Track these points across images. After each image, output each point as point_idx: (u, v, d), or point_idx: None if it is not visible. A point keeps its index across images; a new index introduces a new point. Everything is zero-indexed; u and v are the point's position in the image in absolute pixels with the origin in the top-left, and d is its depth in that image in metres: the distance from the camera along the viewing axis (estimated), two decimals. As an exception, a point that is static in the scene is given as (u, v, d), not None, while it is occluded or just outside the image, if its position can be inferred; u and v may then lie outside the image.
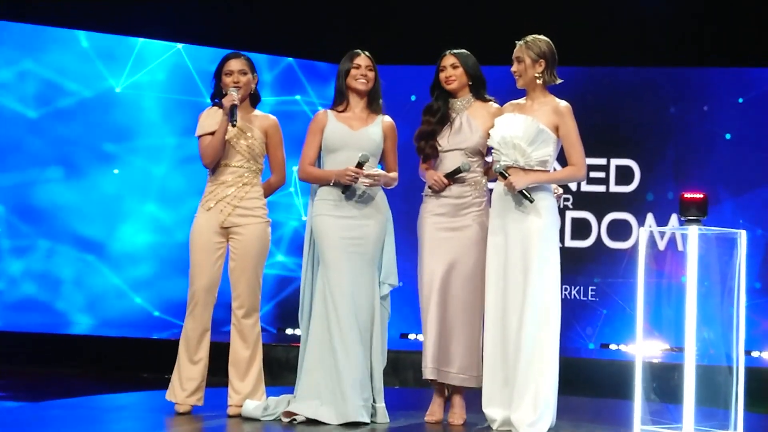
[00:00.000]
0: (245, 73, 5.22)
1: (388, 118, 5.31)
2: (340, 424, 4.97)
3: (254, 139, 5.23)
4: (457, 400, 5.26)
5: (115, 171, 9.14)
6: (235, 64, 5.22)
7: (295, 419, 5.02)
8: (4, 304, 8.79)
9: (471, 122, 5.29)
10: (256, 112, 5.34)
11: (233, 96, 5.11)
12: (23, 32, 8.93)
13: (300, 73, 9.60)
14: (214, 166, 5.21)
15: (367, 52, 5.28)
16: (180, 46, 9.26)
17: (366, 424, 4.99)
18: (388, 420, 5.13)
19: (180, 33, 9.21)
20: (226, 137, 5.16)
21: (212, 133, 5.16)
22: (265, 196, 5.32)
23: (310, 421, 5.01)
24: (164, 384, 5.39)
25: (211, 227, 5.20)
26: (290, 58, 9.52)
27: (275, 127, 5.32)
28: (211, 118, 5.21)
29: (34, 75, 8.97)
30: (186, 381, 5.23)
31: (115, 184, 9.15)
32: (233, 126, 5.09)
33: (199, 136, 5.22)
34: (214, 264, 5.21)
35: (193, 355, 5.23)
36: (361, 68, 5.23)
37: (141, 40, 9.21)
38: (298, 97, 9.54)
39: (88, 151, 9.11)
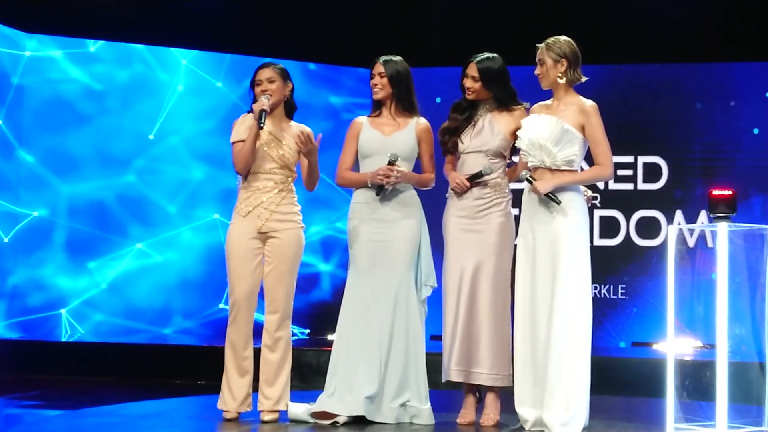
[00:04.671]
0: (273, 81, 5.28)
1: (423, 121, 5.33)
2: (369, 424, 5.03)
3: (288, 147, 5.29)
4: (491, 400, 5.27)
5: None
6: (263, 74, 5.30)
7: (337, 422, 5.07)
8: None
9: (493, 125, 5.30)
10: (292, 122, 5.41)
11: (263, 102, 5.19)
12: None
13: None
14: (248, 172, 5.26)
15: (383, 58, 5.29)
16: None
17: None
18: (434, 422, 5.17)
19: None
20: (261, 145, 5.23)
21: (245, 140, 5.22)
22: None
23: (352, 422, 5.06)
24: (197, 390, 5.43)
25: (249, 233, 5.25)
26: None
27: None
28: (244, 125, 5.29)
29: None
30: (236, 389, 5.27)
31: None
32: (260, 129, 5.15)
33: (233, 143, 5.30)
34: (253, 271, 5.26)
35: (241, 363, 5.27)
36: (375, 77, 5.29)
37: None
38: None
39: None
